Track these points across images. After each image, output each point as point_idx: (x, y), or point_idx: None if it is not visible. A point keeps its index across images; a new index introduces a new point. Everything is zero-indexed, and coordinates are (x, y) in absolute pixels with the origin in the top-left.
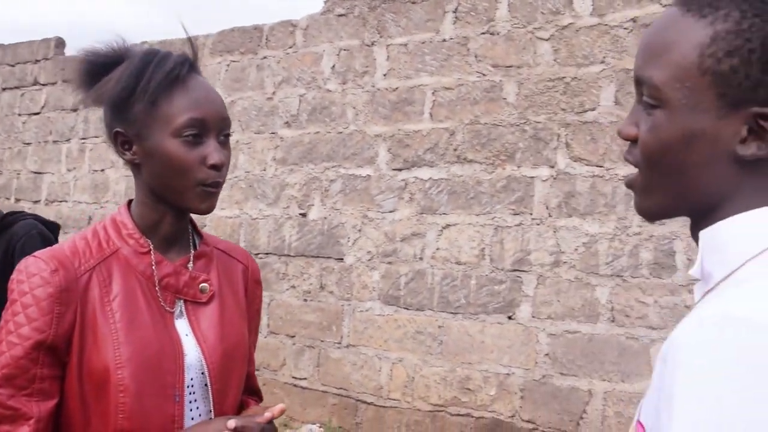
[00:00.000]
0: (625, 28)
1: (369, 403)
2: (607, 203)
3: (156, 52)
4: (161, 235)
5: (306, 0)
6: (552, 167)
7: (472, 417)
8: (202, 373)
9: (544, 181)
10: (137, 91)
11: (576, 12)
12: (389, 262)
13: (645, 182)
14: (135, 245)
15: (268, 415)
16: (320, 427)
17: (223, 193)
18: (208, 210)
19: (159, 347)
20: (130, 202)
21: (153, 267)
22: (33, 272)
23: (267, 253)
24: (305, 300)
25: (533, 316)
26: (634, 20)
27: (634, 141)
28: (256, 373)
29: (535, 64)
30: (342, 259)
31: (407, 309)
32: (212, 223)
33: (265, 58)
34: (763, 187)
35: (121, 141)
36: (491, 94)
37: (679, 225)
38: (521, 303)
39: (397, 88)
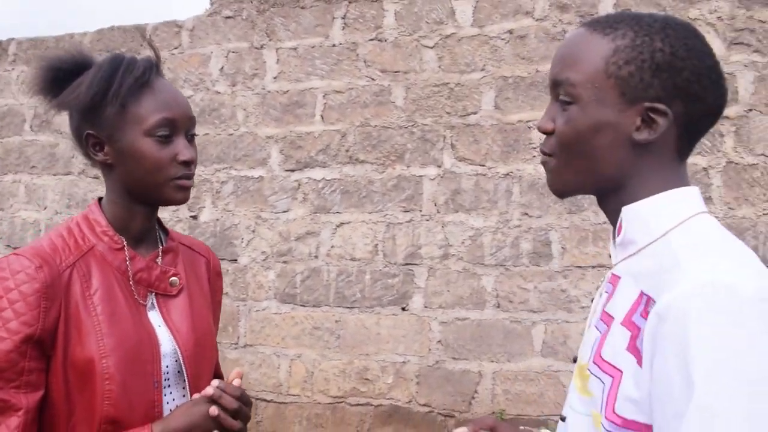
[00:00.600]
0: (502, 39)
1: (269, 401)
2: (489, 199)
3: (122, 57)
4: (132, 232)
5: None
6: (439, 167)
7: (371, 405)
8: (176, 361)
9: (431, 179)
10: (109, 95)
11: (458, 23)
12: (284, 261)
13: (559, 165)
14: (109, 242)
15: (236, 380)
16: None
17: None
18: (184, 200)
19: (138, 338)
20: (100, 199)
21: (127, 262)
22: (17, 269)
23: None
24: None
25: (425, 306)
26: (510, 32)
27: (550, 134)
28: None
29: (421, 70)
30: (236, 260)
31: (304, 306)
32: None
33: None
34: (652, 165)
35: (92, 143)
36: (380, 97)
37: (554, 217)
38: (414, 294)
39: (288, 91)
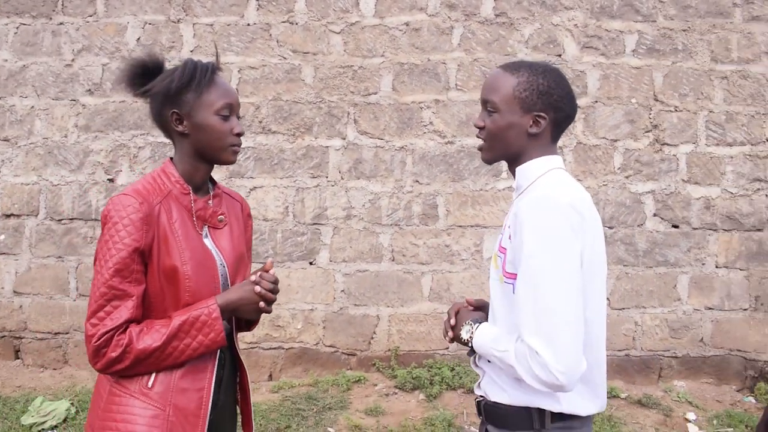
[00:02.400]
0: (400, 30)
1: None
2: (387, 168)
3: (196, 61)
4: (195, 182)
5: None
6: (343, 139)
7: (283, 349)
8: (222, 273)
9: (337, 150)
10: (192, 86)
11: (362, 12)
12: None
13: (487, 147)
14: (180, 188)
15: (271, 270)
16: None
17: (18, 160)
18: (234, 161)
19: (203, 253)
20: (171, 159)
21: (192, 203)
22: (127, 204)
23: (71, 219)
24: None
25: (331, 261)
26: (407, 24)
27: (482, 128)
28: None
29: (328, 53)
30: None
31: None
32: (5, 191)
33: (61, 24)
34: (537, 145)
35: (175, 118)
36: (291, 75)
37: (440, 185)
38: (320, 250)
39: None
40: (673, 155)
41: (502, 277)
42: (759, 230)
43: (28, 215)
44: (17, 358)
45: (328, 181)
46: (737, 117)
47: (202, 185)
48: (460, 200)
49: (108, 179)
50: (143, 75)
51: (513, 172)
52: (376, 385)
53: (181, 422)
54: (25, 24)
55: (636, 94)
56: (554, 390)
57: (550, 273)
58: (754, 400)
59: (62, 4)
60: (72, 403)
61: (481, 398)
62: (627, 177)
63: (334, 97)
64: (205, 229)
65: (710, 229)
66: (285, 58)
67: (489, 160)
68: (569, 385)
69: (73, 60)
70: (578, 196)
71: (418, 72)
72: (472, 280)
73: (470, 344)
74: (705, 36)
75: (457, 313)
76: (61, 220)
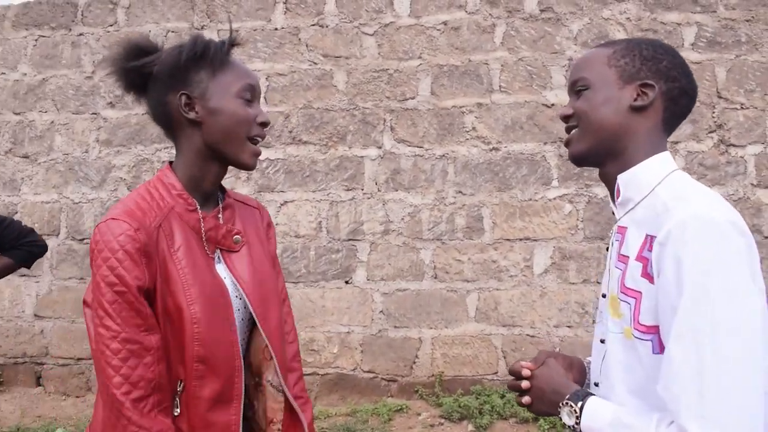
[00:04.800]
0: (438, 30)
1: None
2: (427, 178)
3: (206, 37)
4: (202, 191)
5: None
6: (379, 148)
7: (318, 375)
8: (239, 309)
9: (372, 160)
10: (205, 60)
11: (396, 12)
12: None
13: (579, 133)
14: (184, 204)
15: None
16: None
17: (38, 177)
18: (253, 166)
19: (213, 287)
20: (170, 164)
21: (201, 222)
22: (119, 232)
23: None
24: None
25: (368, 279)
26: (445, 23)
27: (568, 117)
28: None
29: (361, 56)
30: None
31: None
32: (25, 210)
33: (81, 35)
34: (644, 129)
35: (185, 102)
36: (322, 81)
37: (486, 195)
38: (357, 268)
39: None
40: (741, 157)
41: (632, 331)
42: None
43: (49, 235)
44: (38, 385)
45: (364, 193)
46: None
47: (211, 194)
48: (507, 211)
49: None
50: (138, 58)
51: (606, 182)
52: (419, 414)
53: None
54: (44, 36)
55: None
56: None
57: (727, 330)
58: None
59: (82, 15)
60: None
61: None
62: None
63: (368, 103)
64: (218, 252)
65: None
66: (315, 63)
67: (580, 154)
68: None
69: (93, 72)
70: (733, 210)
71: (459, 74)
72: (522, 298)
73: (577, 429)
74: None
75: (542, 364)
76: (83, 239)
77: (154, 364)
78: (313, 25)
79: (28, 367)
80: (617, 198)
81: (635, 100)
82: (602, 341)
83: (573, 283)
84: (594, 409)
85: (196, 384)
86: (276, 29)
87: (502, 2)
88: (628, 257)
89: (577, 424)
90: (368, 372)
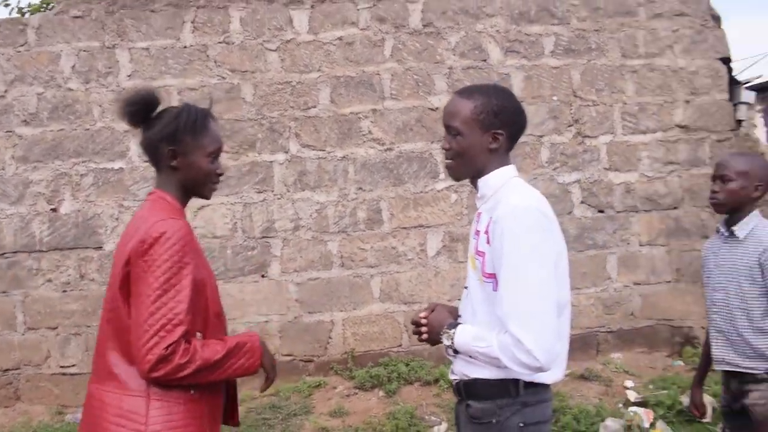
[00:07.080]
0: (334, 44)
1: None
2: (330, 178)
3: (195, 107)
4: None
5: None
6: (287, 153)
7: None
8: None
9: (281, 164)
10: (194, 128)
11: (296, 29)
12: None
13: (456, 164)
14: (179, 214)
15: None
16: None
17: None
18: (209, 197)
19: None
20: (161, 189)
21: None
22: (177, 227)
23: (15, 252)
24: (65, 291)
25: (282, 272)
26: (340, 38)
27: (448, 150)
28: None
29: (266, 70)
30: (101, 247)
31: None
32: None
33: None
34: (496, 158)
35: (170, 154)
36: (231, 94)
37: (383, 190)
38: (271, 263)
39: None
40: (594, 146)
41: (482, 278)
42: (675, 208)
43: None
44: None
45: (275, 194)
46: (648, 107)
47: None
48: (402, 203)
49: (51, 209)
50: (145, 110)
51: (474, 185)
52: (336, 387)
53: (213, 415)
54: None
55: (557, 92)
56: (535, 372)
57: (530, 271)
58: (682, 363)
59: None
60: None
61: (458, 380)
62: (554, 169)
63: (274, 113)
64: None
65: (632, 212)
66: (224, 77)
67: (458, 178)
68: (547, 367)
69: (6, 91)
70: (542, 201)
71: (354, 84)
72: (419, 278)
73: (452, 347)
74: (615, 34)
75: (432, 311)
76: (4, 254)
77: (191, 319)
78: (220, 42)
79: None
80: (478, 194)
81: (491, 143)
82: (466, 287)
83: (461, 262)
84: (462, 330)
85: (211, 335)
86: (185, 47)
87: (390, 18)
88: (479, 231)
89: (452, 342)
90: (287, 355)
